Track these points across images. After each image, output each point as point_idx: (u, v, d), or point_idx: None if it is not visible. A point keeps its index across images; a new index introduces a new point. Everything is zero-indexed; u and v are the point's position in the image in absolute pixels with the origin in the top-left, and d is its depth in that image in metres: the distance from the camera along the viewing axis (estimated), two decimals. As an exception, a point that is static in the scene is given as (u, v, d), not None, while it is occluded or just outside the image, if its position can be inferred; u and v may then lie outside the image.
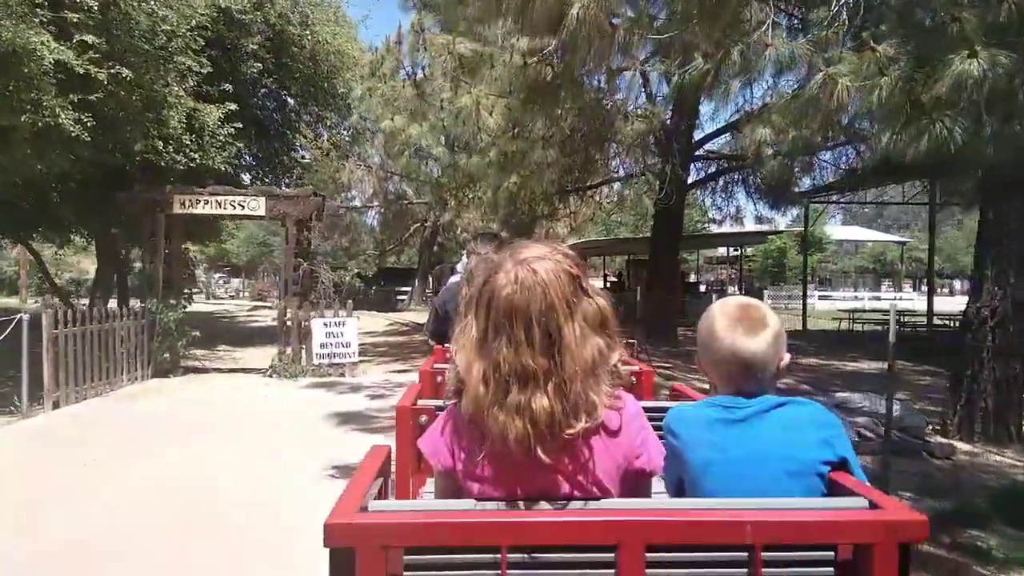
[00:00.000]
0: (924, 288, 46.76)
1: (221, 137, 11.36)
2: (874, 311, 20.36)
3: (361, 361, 11.74)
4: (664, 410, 1.58)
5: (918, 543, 1.24)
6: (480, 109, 9.16)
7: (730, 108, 14.13)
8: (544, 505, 1.13)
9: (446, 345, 3.18)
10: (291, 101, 19.30)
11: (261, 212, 10.78)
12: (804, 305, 20.08)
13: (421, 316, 22.51)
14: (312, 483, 5.05)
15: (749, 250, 35.78)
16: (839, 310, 20.01)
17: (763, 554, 1.05)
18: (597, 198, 17.14)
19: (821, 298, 35.15)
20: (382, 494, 1.27)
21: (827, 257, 45.58)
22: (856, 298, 36.03)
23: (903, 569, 1.06)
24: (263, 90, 17.12)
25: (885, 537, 1.06)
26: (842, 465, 1.33)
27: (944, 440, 6.20)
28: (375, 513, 1.08)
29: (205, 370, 11.25)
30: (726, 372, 1.41)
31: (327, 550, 1.03)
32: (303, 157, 24.37)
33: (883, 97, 4.02)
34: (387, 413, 7.44)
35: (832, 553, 1.09)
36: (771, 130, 9.44)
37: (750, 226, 20.17)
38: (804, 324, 19.76)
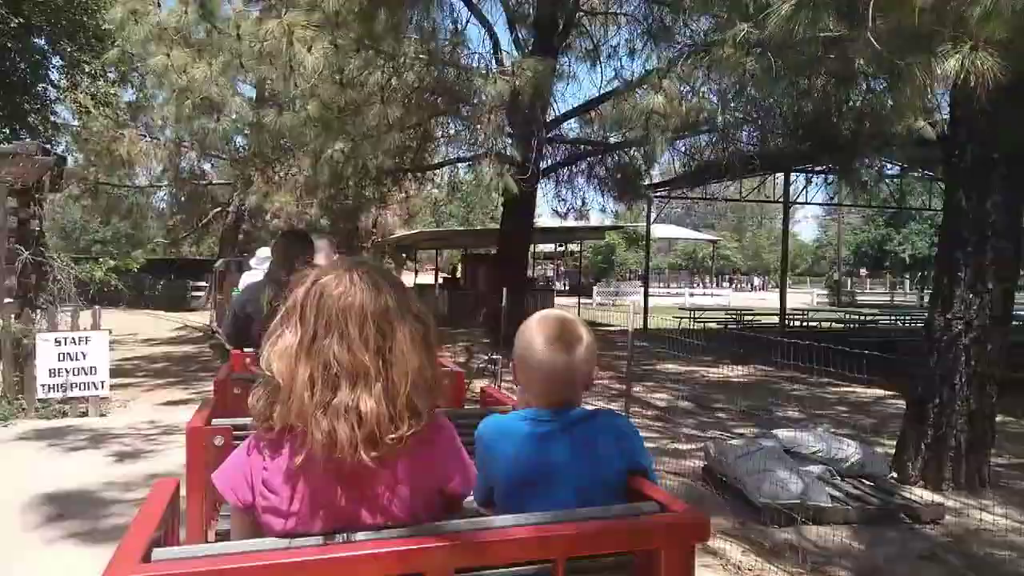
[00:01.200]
0: (734, 284, 50.63)
1: None
2: (714, 309, 20.15)
3: (122, 387, 8.54)
4: (475, 416, 1.70)
5: (702, 542, 1.26)
6: (294, 42, 6.54)
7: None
8: (354, 536, 1.08)
9: (247, 350, 3.17)
10: (40, 40, 14.94)
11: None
12: (646, 303, 19.30)
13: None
14: None
15: (574, 245, 35.56)
16: (680, 308, 19.47)
17: (567, 563, 1.09)
18: (436, 181, 14.86)
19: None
20: (169, 538, 1.19)
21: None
22: (671, 294, 37.12)
23: (689, 567, 1.15)
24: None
25: (674, 538, 1.15)
26: (641, 472, 1.40)
27: (930, 497, 4.76)
28: (160, 563, 0.99)
29: None
30: (544, 385, 1.43)
31: None
32: (63, 119, 19.52)
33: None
34: (138, 490, 4.69)
35: (630, 557, 1.18)
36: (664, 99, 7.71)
37: (596, 220, 19.09)
38: (645, 323, 19.02)
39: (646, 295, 19.46)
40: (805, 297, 37.65)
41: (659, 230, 44.79)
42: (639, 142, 8.30)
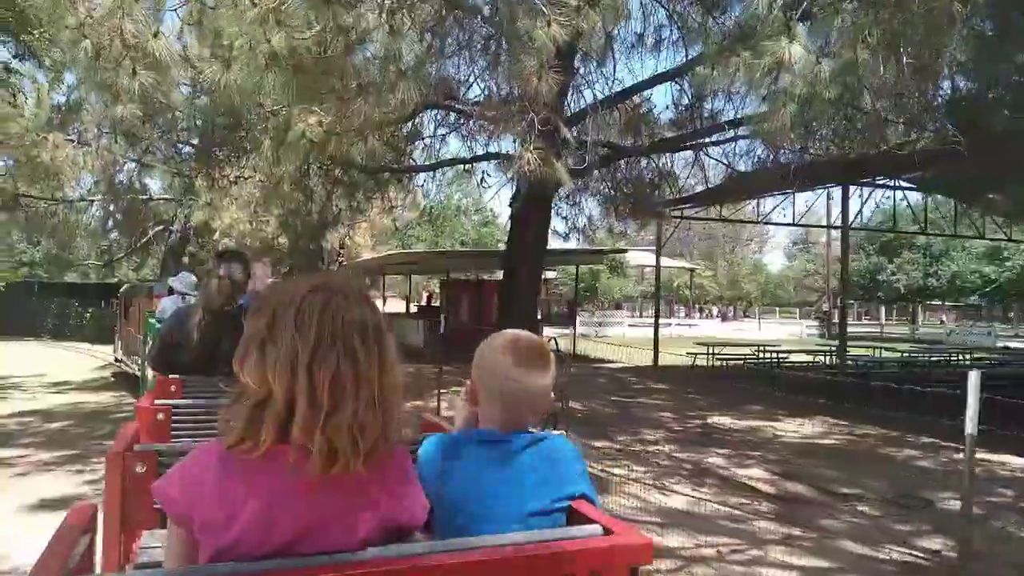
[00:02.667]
0: (704, 313, 48.92)
1: None
2: (727, 344, 17.87)
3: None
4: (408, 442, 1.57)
5: (646, 564, 1.16)
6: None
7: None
8: (295, 562, 1.03)
9: (172, 376, 3.10)
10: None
11: None
12: (656, 336, 16.88)
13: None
14: None
15: (551, 273, 33.19)
16: (695, 343, 17.13)
17: None
18: (426, 187, 12.26)
19: (631, 325, 33.58)
20: (84, 567, 1.08)
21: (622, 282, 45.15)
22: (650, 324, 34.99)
23: None
24: None
25: (616, 561, 1.12)
26: (584, 497, 1.36)
27: None
28: None
29: None
30: (510, 408, 1.40)
31: None
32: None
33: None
34: None
35: None
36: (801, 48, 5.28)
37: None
38: (656, 359, 16.60)
39: (656, 329, 17.06)
40: (794, 328, 35.97)
41: (636, 257, 42.87)
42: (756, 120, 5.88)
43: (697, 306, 51.79)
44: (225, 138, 8.73)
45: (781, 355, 15.28)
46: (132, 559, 1.69)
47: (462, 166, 11.27)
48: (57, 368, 14.37)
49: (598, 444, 7.55)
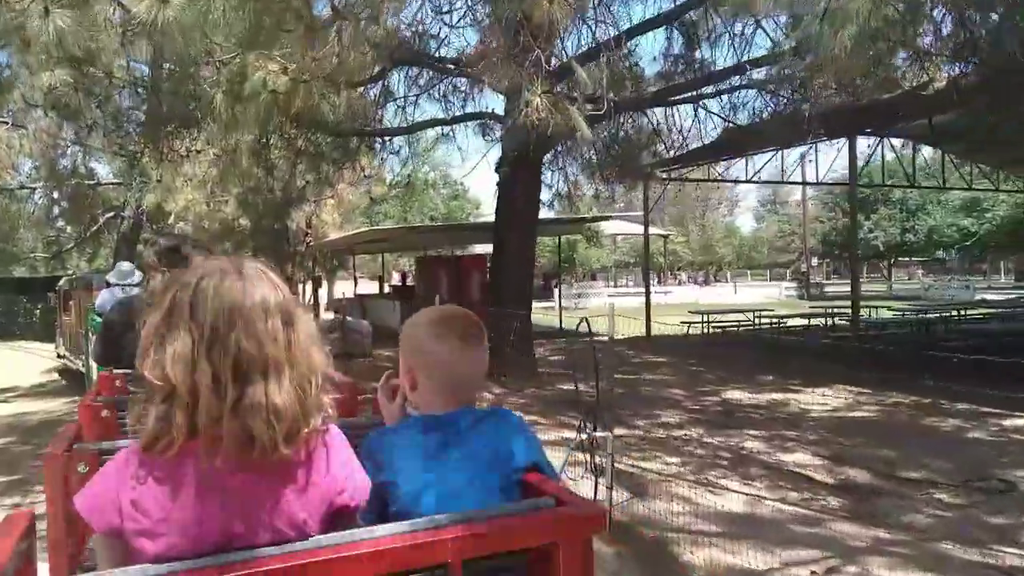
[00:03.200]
0: (689, 280, 48.18)
1: None
2: (717, 310, 17.25)
3: None
4: (364, 427, 1.58)
5: (599, 533, 1.24)
6: None
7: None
8: (236, 556, 0.97)
9: (116, 371, 3.05)
10: None
11: None
12: (648, 304, 16.13)
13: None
14: None
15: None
16: (689, 311, 16.44)
17: (462, 568, 1.05)
18: (404, 152, 11.15)
19: (610, 296, 32.87)
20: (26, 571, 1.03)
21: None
22: (630, 293, 34.39)
23: (588, 559, 1.11)
24: None
25: (571, 532, 1.11)
26: (536, 468, 1.33)
27: None
28: None
29: None
30: (455, 387, 1.36)
31: None
32: None
33: None
34: None
35: (527, 554, 1.12)
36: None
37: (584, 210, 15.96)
38: (648, 329, 15.86)
39: (648, 297, 16.32)
40: (771, 291, 35.72)
41: (610, 226, 42.06)
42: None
43: (670, 272, 51.38)
44: (172, 104, 7.57)
45: (779, 320, 14.63)
46: (83, 561, 1.65)
47: (439, 129, 10.22)
48: (1, 372, 13.07)
49: (618, 432, 6.72)
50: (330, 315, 17.51)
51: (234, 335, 1.02)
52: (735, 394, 8.87)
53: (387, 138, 9.75)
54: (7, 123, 14.27)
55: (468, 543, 1.04)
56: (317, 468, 1.08)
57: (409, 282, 23.06)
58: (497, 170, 9.34)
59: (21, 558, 1.02)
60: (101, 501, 1.04)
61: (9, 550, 0.99)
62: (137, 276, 6.79)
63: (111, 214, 21.50)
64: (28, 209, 21.68)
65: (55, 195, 20.67)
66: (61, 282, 14.71)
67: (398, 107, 9.78)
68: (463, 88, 10.20)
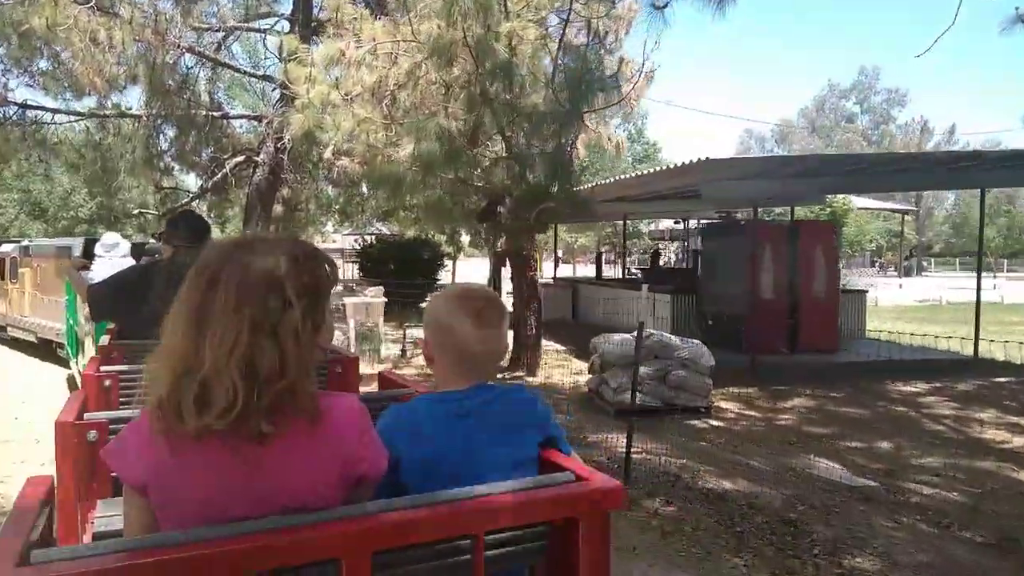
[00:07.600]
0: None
1: None
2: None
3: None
4: (377, 400, 1.72)
5: (617, 509, 1.19)
6: None
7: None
8: (258, 524, 0.98)
9: (111, 326, 3.30)
10: None
11: None
12: (977, 314, 10.60)
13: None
14: None
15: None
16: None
17: (485, 538, 1.08)
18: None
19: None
20: (47, 539, 1.10)
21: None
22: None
23: (606, 534, 1.15)
24: None
25: (590, 507, 1.14)
26: (553, 443, 1.38)
27: None
28: (41, 565, 0.88)
29: None
30: (474, 364, 1.38)
31: None
32: None
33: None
34: None
35: (547, 527, 1.16)
36: None
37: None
38: (976, 349, 10.06)
39: (978, 298, 11.24)
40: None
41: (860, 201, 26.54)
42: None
43: (880, 261, 44.02)
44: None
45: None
46: (88, 529, 1.68)
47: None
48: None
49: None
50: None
51: (244, 308, 1.04)
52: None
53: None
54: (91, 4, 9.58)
55: (490, 516, 1.08)
56: (330, 439, 1.10)
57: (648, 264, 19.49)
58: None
59: (44, 511, 1.12)
60: (129, 455, 1.08)
61: (36, 509, 1.09)
62: (123, 247, 6.92)
63: (241, 158, 14.36)
64: (131, 147, 13.53)
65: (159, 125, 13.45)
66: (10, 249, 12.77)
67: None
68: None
